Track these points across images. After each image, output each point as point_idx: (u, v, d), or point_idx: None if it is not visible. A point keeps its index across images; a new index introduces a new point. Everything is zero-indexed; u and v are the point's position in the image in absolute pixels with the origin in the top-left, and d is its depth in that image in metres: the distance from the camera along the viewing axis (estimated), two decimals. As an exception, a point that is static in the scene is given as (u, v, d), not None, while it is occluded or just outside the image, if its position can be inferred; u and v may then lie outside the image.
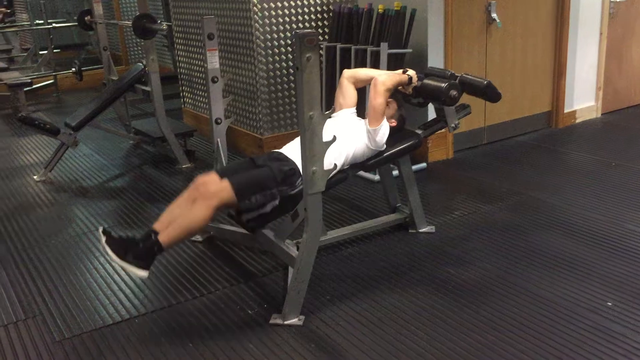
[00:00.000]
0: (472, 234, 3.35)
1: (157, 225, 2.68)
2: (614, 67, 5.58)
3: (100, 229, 2.60)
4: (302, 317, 2.60)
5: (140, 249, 2.56)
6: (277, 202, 2.76)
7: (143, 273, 2.54)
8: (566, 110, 5.30)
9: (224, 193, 2.69)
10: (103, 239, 2.54)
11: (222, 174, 2.79)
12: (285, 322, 2.58)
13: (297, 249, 2.67)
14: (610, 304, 2.62)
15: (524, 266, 2.97)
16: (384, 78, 3.04)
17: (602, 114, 5.61)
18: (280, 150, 2.99)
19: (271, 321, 2.60)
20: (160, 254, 2.62)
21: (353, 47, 4.26)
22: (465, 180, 4.19)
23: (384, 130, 3.00)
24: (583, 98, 5.43)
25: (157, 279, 3.03)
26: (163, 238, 2.59)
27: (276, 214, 2.84)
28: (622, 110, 5.79)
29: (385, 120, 3.02)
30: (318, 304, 2.72)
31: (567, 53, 5.11)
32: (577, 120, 5.42)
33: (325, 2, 4.73)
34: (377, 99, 2.98)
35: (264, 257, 3.20)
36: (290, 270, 2.72)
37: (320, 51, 4.47)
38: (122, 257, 2.51)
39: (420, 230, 3.39)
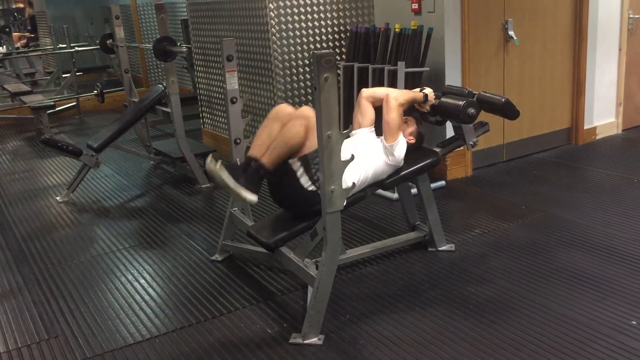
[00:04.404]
0: (492, 252, 3.33)
1: (253, 152, 2.79)
2: (634, 83, 5.54)
3: (209, 157, 2.72)
4: (322, 336, 2.60)
5: (248, 173, 2.70)
6: (312, 188, 2.77)
7: (254, 197, 2.68)
8: (586, 127, 5.26)
9: (314, 127, 2.70)
10: (217, 164, 2.65)
11: None
12: (305, 342, 2.57)
13: (317, 268, 2.68)
14: (634, 322, 2.58)
15: (546, 284, 2.94)
16: (396, 94, 3.07)
17: (622, 130, 5.55)
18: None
19: (291, 340, 2.59)
20: (266, 177, 2.75)
21: (370, 67, 4.28)
22: (484, 198, 4.17)
23: (401, 146, 3.01)
24: (603, 114, 5.39)
25: (177, 298, 3.05)
26: (266, 160, 2.73)
27: (296, 207, 2.88)
28: (643, 126, 5.73)
29: (401, 135, 3.03)
30: (338, 323, 2.71)
31: (586, 69, 5.08)
32: (598, 137, 5.38)
33: (342, 22, 4.78)
34: (390, 113, 2.99)
35: (284, 276, 3.20)
36: (310, 289, 2.72)
37: (338, 71, 4.50)
38: (237, 180, 2.65)
39: (439, 249, 3.37)
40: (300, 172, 2.79)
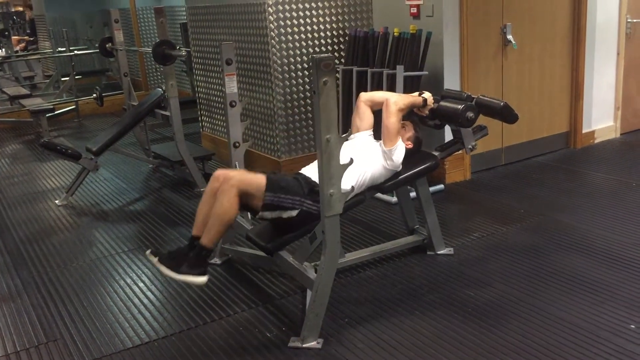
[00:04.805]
0: (491, 256, 3.33)
1: (194, 231, 2.74)
2: (632, 87, 5.55)
3: (148, 252, 2.67)
4: (321, 340, 2.60)
5: (190, 258, 2.63)
6: (295, 212, 2.77)
7: (203, 279, 2.62)
8: (584, 131, 5.27)
9: (251, 179, 2.71)
10: (155, 259, 2.61)
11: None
12: (304, 345, 2.57)
13: (315, 272, 2.68)
14: (633, 326, 2.58)
15: (545, 288, 2.94)
16: (396, 98, 3.08)
17: (621, 134, 5.56)
18: (300, 172, 3.01)
19: (290, 344, 2.59)
20: (210, 255, 2.68)
21: (369, 70, 4.29)
22: (483, 202, 4.17)
23: (399, 150, 3.02)
24: (601, 118, 5.40)
25: (176, 302, 3.04)
26: (205, 240, 2.65)
27: (293, 229, 2.85)
28: (642, 129, 5.74)
29: (400, 140, 3.04)
30: (336, 326, 2.71)
31: (585, 73, 5.10)
32: (596, 141, 5.39)
33: (341, 26, 4.78)
34: (390, 118, 3.00)
35: (283, 279, 3.20)
36: (309, 292, 2.72)
37: (337, 75, 4.51)
38: (178, 271, 2.59)
39: (438, 252, 3.38)
40: (276, 214, 2.78)
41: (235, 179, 2.70)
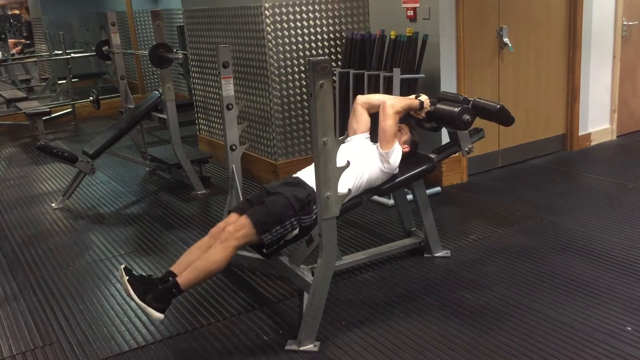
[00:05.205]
0: (488, 258, 3.34)
1: (175, 268, 2.67)
2: (628, 90, 5.57)
3: (122, 267, 2.59)
4: (318, 343, 2.59)
5: (159, 290, 2.55)
6: (297, 231, 2.80)
7: (159, 315, 2.51)
8: (581, 133, 5.28)
9: (243, 231, 2.70)
10: (125, 277, 2.54)
11: (240, 211, 2.82)
12: (301, 348, 2.57)
13: (312, 275, 2.68)
14: (629, 328, 2.58)
15: (541, 290, 2.95)
16: (392, 101, 3.08)
17: (617, 137, 5.57)
18: (296, 175, 3.01)
19: (287, 347, 2.59)
20: (178, 295, 2.60)
21: (366, 73, 4.30)
22: (480, 204, 4.18)
23: (396, 153, 3.02)
24: (598, 120, 5.41)
25: (172, 304, 3.03)
26: (181, 280, 2.58)
27: (294, 240, 2.88)
28: (638, 132, 5.75)
29: (397, 143, 3.04)
30: (333, 329, 2.71)
31: (581, 76, 5.11)
32: (592, 143, 5.40)
33: (338, 29, 4.79)
34: (387, 121, 3.00)
35: (280, 282, 3.20)
36: (306, 295, 2.72)
37: (333, 77, 4.51)
38: (142, 297, 2.51)
39: (435, 255, 3.38)
40: (281, 243, 2.80)
41: (234, 240, 2.67)
